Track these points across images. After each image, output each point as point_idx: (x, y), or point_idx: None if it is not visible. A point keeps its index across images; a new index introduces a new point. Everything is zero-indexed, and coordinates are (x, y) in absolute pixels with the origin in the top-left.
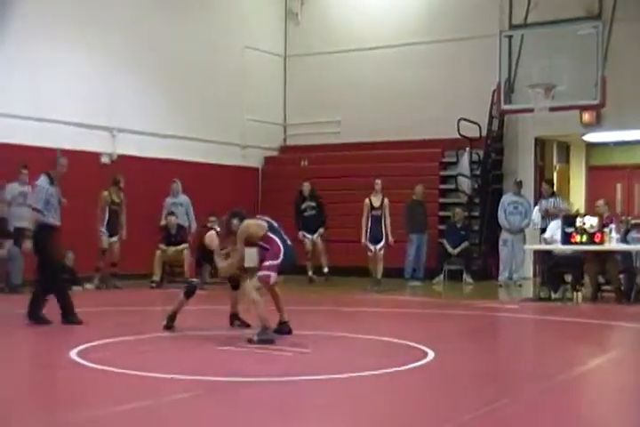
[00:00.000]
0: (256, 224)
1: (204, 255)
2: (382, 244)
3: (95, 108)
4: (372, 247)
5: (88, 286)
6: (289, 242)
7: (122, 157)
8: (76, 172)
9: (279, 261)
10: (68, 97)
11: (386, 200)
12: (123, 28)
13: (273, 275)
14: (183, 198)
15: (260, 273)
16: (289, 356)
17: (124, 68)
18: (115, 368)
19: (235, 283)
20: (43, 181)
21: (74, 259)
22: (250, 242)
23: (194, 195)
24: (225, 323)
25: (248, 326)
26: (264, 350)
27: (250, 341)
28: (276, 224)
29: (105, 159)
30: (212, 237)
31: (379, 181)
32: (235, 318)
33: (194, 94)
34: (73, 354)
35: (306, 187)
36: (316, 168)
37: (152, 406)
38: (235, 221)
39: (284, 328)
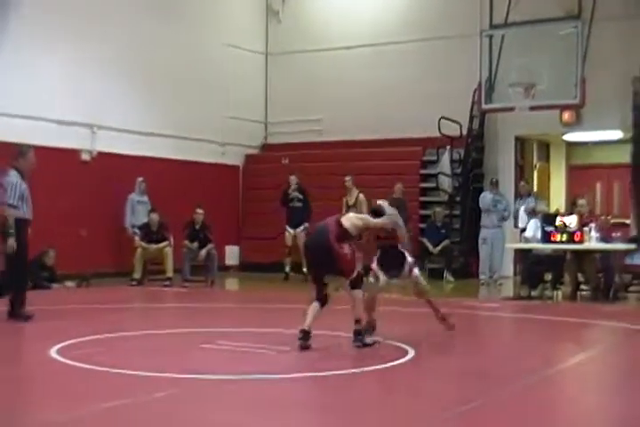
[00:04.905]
0: None
1: None
2: None
3: (75, 105)
4: None
5: (68, 283)
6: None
7: (102, 154)
8: (56, 169)
9: None
10: (49, 94)
11: (361, 196)
12: (102, 26)
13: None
14: (146, 198)
15: None
16: (266, 354)
17: (104, 66)
18: (95, 366)
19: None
20: (14, 176)
21: (54, 257)
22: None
23: (175, 192)
24: (205, 321)
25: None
26: (244, 349)
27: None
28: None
29: (85, 156)
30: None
31: (348, 178)
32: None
33: (174, 92)
34: (53, 352)
35: (292, 179)
36: (298, 166)
37: (130, 405)
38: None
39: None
